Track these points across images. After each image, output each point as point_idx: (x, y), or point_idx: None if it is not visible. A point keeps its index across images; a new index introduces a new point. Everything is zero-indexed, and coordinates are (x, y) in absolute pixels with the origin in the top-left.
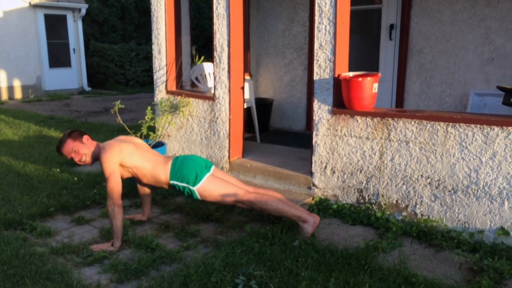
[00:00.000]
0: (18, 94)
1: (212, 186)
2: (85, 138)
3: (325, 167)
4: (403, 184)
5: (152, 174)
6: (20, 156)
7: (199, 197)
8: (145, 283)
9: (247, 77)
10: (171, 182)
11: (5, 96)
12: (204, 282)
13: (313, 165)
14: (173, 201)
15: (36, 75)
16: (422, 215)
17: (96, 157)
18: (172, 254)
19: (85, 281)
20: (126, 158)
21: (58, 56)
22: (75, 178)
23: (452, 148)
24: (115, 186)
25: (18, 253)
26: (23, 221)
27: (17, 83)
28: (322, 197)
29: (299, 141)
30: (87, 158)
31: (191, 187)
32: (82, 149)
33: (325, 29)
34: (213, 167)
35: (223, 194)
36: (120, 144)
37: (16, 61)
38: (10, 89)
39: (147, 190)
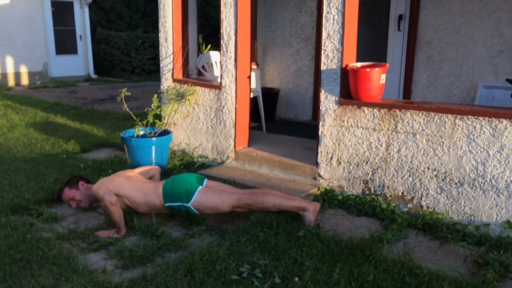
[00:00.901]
0: (25, 81)
1: (206, 198)
2: (80, 184)
3: (331, 157)
4: (409, 176)
5: (146, 202)
6: (26, 142)
7: (196, 212)
8: (151, 270)
9: (254, 67)
10: (167, 205)
11: (12, 82)
12: (209, 270)
13: (319, 156)
14: None
15: (43, 62)
16: (427, 207)
17: (94, 199)
18: (177, 242)
19: (91, 267)
20: (118, 187)
21: (65, 43)
22: (81, 165)
23: (459, 141)
24: (108, 199)
25: (25, 238)
26: (30, 206)
27: (24, 70)
28: (328, 187)
29: (305, 131)
30: (84, 204)
31: (185, 205)
32: (77, 196)
33: (333, 19)
34: (205, 181)
35: (219, 202)
36: (110, 177)
37: (23, 47)
38: (17, 75)
39: (155, 179)
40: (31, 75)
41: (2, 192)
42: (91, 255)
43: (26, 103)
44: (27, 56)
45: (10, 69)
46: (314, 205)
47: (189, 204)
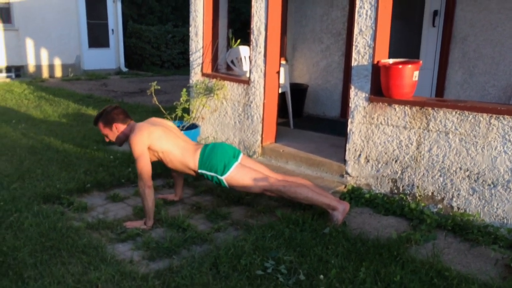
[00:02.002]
0: (58, 73)
1: (240, 175)
2: (114, 126)
3: (359, 155)
4: (440, 176)
5: (181, 161)
6: (59, 133)
7: (227, 185)
8: (176, 262)
9: (283, 62)
10: (200, 171)
11: (46, 74)
12: (234, 264)
13: (347, 153)
14: (204, 183)
15: (76, 55)
16: (458, 208)
17: (127, 138)
18: (203, 235)
19: (119, 257)
20: (154, 141)
21: (97, 36)
22: (111, 156)
23: (494, 141)
24: (144, 167)
25: (55, 226)
26: (61, 195)
27: (57, 62)
28: (355, 185)
29: (333, 128)
30: (116, 142)
31: (219, 176)
32: (110, 136)
33: (366, 14)
34: (241, 155)
35: (251, 183)
36: (149, 127)
37: (57, 40)
38: (51, 67)
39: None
40: (64, 67)
41: (35, 181)
42: (119, 245)
43: (59, 95)
44: (61, 49)
45: (44, 61)
46: (344, 205)
47: (222, 177)
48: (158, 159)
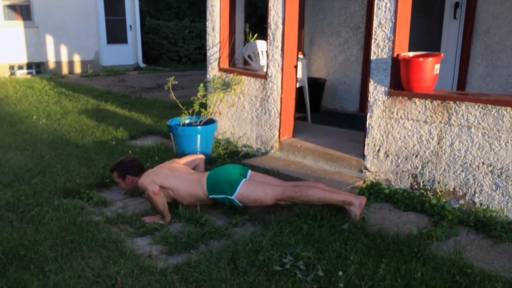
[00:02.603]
0: (77, 69)
1: (250, 190)
2: (127, 178)
3: (378, 150)
4: (462, 171)
5: (190, 194)
6: (78, 128)
7: (240, 204)
8: (194, 257)
9: (300, 56)
10: (211, 196)
11: (65, 70)
12: (252, 260)
13: (365, 148)
14: None
15: (95, 51)
16: (481, 204)
17: (138, 189)
18: (221, 230)
19: (137, 251)
20: (163, 179)
21: (115, 32)
22: (130, 151)
23: None
24: (152, 190)
25: (76, 220)
26: (81, 190)
27: (76, 58)
28: (374, 181)
29: (351, 122)
30: (128, 192)
31: (229, 197)
32: (123, 186)
33: (386, 6)
34: (249, 173)
35: (262, 195)
36: (155, 169)
37: (76, 36)
38: (70, 63)
39: (200, 167)
40: (83, 63)
41: (55, 176)
42: (137, 239)
43: (78, 91)
44: (80, 45)
45: (64, 58)
46: (360, 200)
47: (232, 197)
48: (172, 199)
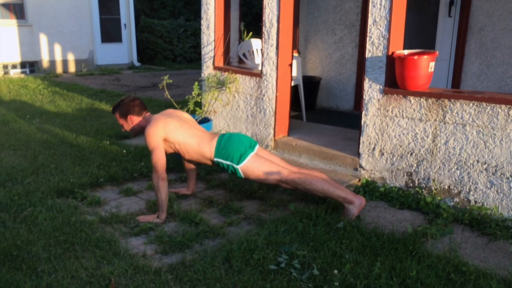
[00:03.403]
0: (72, 68)
1: (256, 165)
2: (129, 117)
3: (373, 148)
4: (457, 169)
5: (197, 151)
6: (73, 127)
7: (242, 175)
8: (189, 256)
9: (295, 54)
10: (216, 159)
11: (60, 69)
12: (247, 259)
13: (360, 146)
14: (217, 177)
15: (89, 50)
16: (475, 202)
17: (142, 130)
18: (216, 229)
19: (132, 251)
20: (170, 133)
21: (110, 31)
22: (124, 151)
23: None
24: (159, 160)
25: (69, 220)
26: (75, 190)
27: (71, 57)
28: (369, 179)
29: (347, 121)
30: (131, 133)
31: (235, 166)
32: (125, 126)
33: (380, 4)
34: (257, 146)
35: (267, 173)
36: (165, 119)
37: (70, 35)
38: (65, 62)
39: (192, 165)
40: (77, 62)
41: (49, 176)
42: (132, 239)
43: (72, 90)
44: (74, 44)
45: (58, 57)
46: (361, 200)
47: (238, 166)
48: (175, 150)
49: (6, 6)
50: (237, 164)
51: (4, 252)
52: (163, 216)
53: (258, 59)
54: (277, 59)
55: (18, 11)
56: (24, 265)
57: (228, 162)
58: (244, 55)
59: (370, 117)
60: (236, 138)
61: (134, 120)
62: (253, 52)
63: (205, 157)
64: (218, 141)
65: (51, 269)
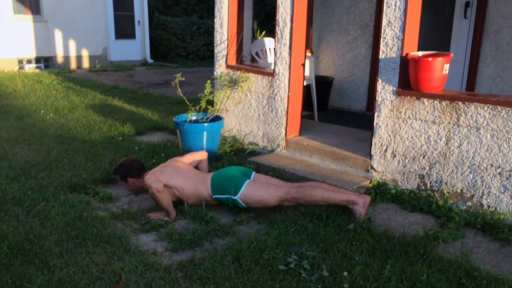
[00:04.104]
0: (85, 64)
1: (253, 191)
2: (129, 179)
3: (386, 150)
4: (470, 172)
5: (194, 193)
6: (85, 123)
7: (243, 204)
8: (199, 254)
9: (308, 54)
10: (214, 196)
11: (73, 65)
12: (256, 258)
13: (372, 148)
14: None
15: (103, 46)
16: (488, 206)
17: (142, 189)
18: (226, 228)
19: (142, 247)
20: (168, 178)
21: (124, 28)
22: (136, 147)
23: None
24: (152, 182)
25: (81, 215)
26: (87, 185)
27: (85, 53)
28: (381, 181)
29: (359, 122)
30: (132, 192)
31: (233, 197)
32: (126, 188)
33: (395, 5)
34: (253, 174)
35: (266, 196)
36: (160, 168)
37: (84, 31)
38: (79, 58)
39: (203, 164)
40: (91, 58)
41: (62, 171)
42: (142, 236)
43: (86, 86)
44: (88, 40)
45: (72, 53)
46: (364, 198)
47: (236, 197)
48: (177, 199)
49: (22, 1)
50: (235, 195)
51: (17, 246)
52: (172, 215)
53: (270, 58)
54: (290, 59)
55: (34, 7)
56: (37, 259)
57: (226, 196)
58: (257, 53)
59: (382, 119)
60: (227, 171)
61: (134, 181)
62: (266, 51)
63: (204, 197)
64: (212, 179)
65: (63, 264)
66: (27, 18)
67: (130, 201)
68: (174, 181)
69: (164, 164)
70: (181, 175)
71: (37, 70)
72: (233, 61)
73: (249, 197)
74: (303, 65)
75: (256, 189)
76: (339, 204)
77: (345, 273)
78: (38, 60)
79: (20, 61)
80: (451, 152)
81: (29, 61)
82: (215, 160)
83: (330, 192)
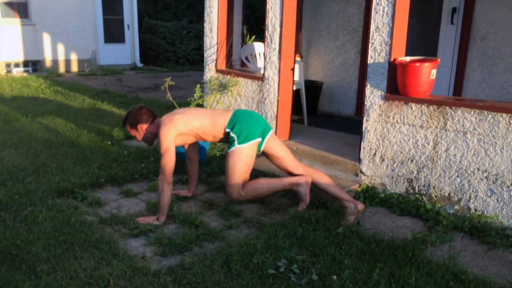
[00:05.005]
0: (74, 68)
1: (241, 157)
2: (139, 127)
3: (374, 154)
4: (457, 176)
5: (212, 124)
6: (74, 127)
7: (230, 153)
8: (188, 259)
9: (298, 59)
10: (227, 129)
11: (62, 69)
12: (246, 262)
13: (361, 152)
14: (217, 180)
15: (92, 50)
16: (475, 210)
17: (155, 136)
18: (215, 232)
19: (131, 252)
20: (182, 126)
21: (113, 32)
22: (125, 152)
23: None
24: (168, 163)
25: (69, 220)
26: (75, 190)
27: (73, 57)
28: (369, 185)
29: (348, 126)
30: (146, 143)
31: (236, 140)
32: (138, 137)
33: (383, 11)
34: (268, 135)
35: (235, 172)
36: (172, 116)
37: (73, 35)
38: (67, 62)
39: (194, 168)
40: (80, 62)
41: (50, 175)
42: (131, 240)
43: (75, 90)
44: (77, 44)
45: (61, 56)
46: (306, 178)
47: (238, 146)
48: (197, 138)
49: (10, 4)
50: (239, 143)
51: (4, 251)
52: (162, 219)
53: (260, 63)
54: (280, 63)
55: (22, 10)
56: (24, 264)
57: (234, 135)
58: (246, 58)
59: (371, 123)
60: (255, 118)
61: (144, 128)
62: (255, 55)
63: (219, 128)
64: (235, 112)
65: (50, 269)
66: (15, 22)
67: (119, 206)
68: (189, 124)
69: (177, 111)
70: (193, 113)
71: (25, 74)
72: (223, 66)
73: (236, 156)
74: (293, 69)
75: (241, 159)
76: (284, 189)
77: (334, 276)
78: (26, 63)
79: (8, 65)
80: (439, 156)
81: (17, 65)
82: (205, 164)
83: (274, 180)
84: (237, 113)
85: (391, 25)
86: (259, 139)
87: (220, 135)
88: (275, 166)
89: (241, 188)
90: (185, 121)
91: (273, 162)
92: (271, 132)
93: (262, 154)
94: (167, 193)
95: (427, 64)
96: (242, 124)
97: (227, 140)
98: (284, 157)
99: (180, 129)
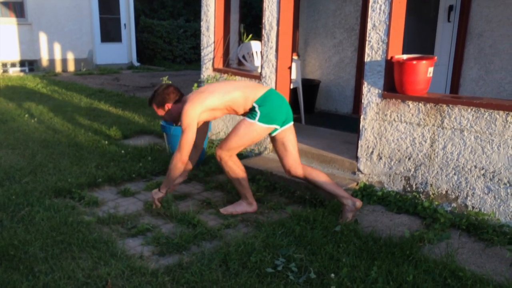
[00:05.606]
0: (71, 67)
1: (251, 134)
2: (166, 106)
3: (372, 152)
4: (455, 174)
5: (244, 98)
6: (71, 127)
7: (247, 125)
8: (186, 258)
9: (295, 57)
10: (255, 104)
11: (59, 69)
12: (244, 261)
13: (359, 150)
14: (215, 179)
15: (88, 49)
16: (473, 207)
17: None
18: (213, 231)
19: (129, 252)
20: (211, 103)
21: (110, 31)
22: (122, 151)
23: (510, 139)
24: (187, 142)
25: (66, 220)
26: (72, 190)
27: (70, 56)
28: (367, 183)
29: (345, 124)
30: (169, 120)
31: (257, 116)
32: (166, 118)
33: (380, 9)
34: (287, 126)
35: (235, 144)
36: (199, 94)
37: (70, 34)
38: (64, 61)
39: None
40: (77, 61)
41: (47, 175)
42: (129, 240)
43: (71, 89)
44: (73, 43)
45: (57, 56)
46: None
47: (254, 120)
48: (229, 111)
49: (6, 4)
50: (258, 120)
51: (1, 251)
52: (164, 190)
53: (257, 62)
54: (277, 62)
55: (18, 10)
56: (21, 265)
57: (257, 112)
58: (243, 57)
59: (368, 121)
60: (283, 104)
61: (172, 107)
62: (252, 54)
63: (249, 99)
64: (269, 92)
65: (48, 269)
66: (11, 21)
67: (116, 205)
68: (219, 101)
69: (198, 94)
70: (223, 87)
71: (22, 74)
72: (220, 64)
73: (249, 131)
74: (290, 68)
75: (246, 134)
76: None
77: (332, 275)
78: (22, 63)
79: (4, 65)
80: (436, 154)
81: (13, 65)
82: (203, 164)
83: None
84: (271, 93)
85: (388, 23)
86: (277, 126)
87: (248, 108)
88: (273, 165)
89: (229, 156)
90: (212, 96)
91: (278, 150)
92: (291, 124)
93: (271, 139)
94: (178, 172)
95: (424, 62)
96: (272, 106)
97: (250, 111)
98: (291, 151)
99: (207, 105)
